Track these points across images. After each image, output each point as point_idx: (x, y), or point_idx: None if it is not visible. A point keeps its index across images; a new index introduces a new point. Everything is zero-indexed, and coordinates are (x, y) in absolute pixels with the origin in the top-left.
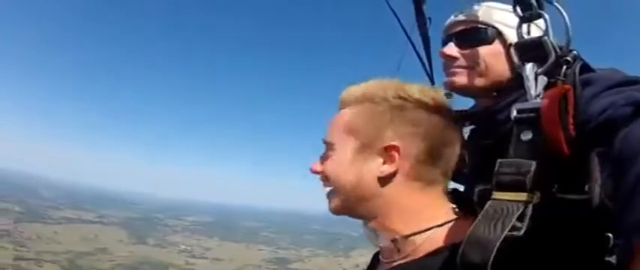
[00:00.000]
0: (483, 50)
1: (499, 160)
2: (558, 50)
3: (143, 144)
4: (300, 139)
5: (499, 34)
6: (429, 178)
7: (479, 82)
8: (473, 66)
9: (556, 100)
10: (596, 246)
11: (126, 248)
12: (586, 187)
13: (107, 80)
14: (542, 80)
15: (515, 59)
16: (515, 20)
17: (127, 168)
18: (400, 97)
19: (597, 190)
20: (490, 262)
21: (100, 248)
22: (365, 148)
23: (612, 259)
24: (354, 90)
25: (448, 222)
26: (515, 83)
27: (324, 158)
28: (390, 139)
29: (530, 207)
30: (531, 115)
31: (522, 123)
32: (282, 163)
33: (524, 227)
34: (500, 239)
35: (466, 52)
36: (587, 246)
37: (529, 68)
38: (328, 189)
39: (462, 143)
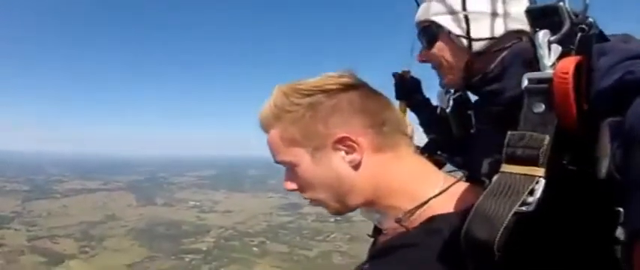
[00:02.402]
0: (436, 48)
1: (509, 132)
2: (574, 17)
3: (136, 108)
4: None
5: (439, 27)
6: (391, 143)
7: (452, 78)
8: (439, 65)
9: (570, 71)
10: (605, 221)
11: (136, 211)
12: (596, 161)
13: (92, 48)
14: (556, 49)
15: (499, 27)
16: (451, 4)
17: (125, 132)
18: (306, 95)
19: (606, 161)
20: (497, 240)
21: (110, 215)
22: (318, 150)
23: (621, 234)
24: (264, 112)
25: (448, 188)
26: (488, 65)
27: (291, 176)
28: (333, 131)
29: (542, 182)
30: (544, 86)
31: (534, 93)
32: None
33: (534, 203)
34: (509, 216)
35: (429, 53)
36: (597, 221)
37: (542, 36)
38: (312, 201)
39: (393, 107)
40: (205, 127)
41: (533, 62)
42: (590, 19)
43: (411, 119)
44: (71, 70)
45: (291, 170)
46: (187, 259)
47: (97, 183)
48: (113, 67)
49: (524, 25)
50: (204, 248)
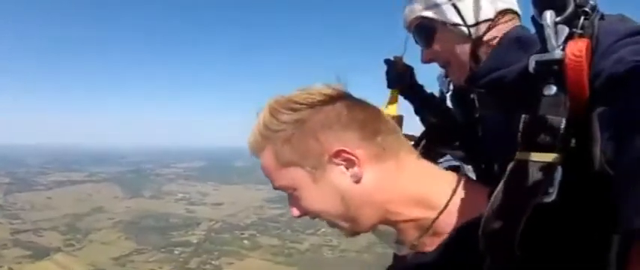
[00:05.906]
0: (437, 44)
1: (524, 116)
2: None
3: (120, 97)
4: (273, 71)
5: (432, 20)
6: (390, 151)
7: (462, 73)
8: (447, 62)
9: (584, 52)
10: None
11: (122, 204)
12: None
13: (74, 39)
14: (562, 30)
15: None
16: None
17: (108, 122)
18: (292, 111)
19: (598, 153)
20: (519, 232)
21: (96, 207)
22: (316, 168)
23: None
24: (253, 135)
25: (456, 192)
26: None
27: (295, 200)
28: (328, 146)
29: (560, 169)
30: (553, 67)
31: (543, 76)
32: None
33: (555, 191)
34: (531, 206)
35: (432, 51)
36: (609, 207)
37: (549, 16)
38: (327, 223)
39: (369, 107)
40: (190, 117)
41: (529, 44)
42: (593, 2)
43: (405, 107)
44: (46, 60)
45: (294, 194)
46: (177, 252)
47: (81, 175)
48: (91, 56)
49: (509, 4)
50: (195, 241)
